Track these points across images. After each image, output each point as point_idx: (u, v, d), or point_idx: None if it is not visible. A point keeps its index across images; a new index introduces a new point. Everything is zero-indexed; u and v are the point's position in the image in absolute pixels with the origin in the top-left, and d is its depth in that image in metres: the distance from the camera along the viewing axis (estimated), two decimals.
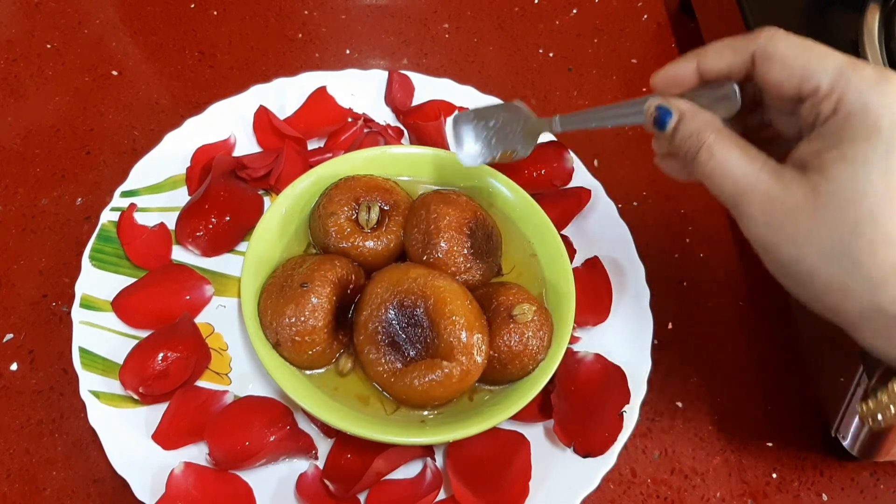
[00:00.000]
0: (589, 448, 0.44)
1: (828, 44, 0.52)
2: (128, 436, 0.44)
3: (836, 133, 0.32)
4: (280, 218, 0.50)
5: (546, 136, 0.56)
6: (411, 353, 0.45)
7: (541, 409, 0.46)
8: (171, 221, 0.52)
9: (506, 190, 0.52)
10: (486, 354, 0.44)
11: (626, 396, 0.46)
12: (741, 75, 0.36)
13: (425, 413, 0.45)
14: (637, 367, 0.47)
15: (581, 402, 0.46)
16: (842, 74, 0.32)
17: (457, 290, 0.45)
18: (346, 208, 0.49)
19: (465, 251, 0.48)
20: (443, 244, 0.47)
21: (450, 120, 0.48)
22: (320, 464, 0.45)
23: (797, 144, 0.34)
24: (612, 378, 0.47)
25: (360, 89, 0.58)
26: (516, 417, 0.45)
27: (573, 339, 0.48)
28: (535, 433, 0.46)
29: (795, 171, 0.33)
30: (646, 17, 0.69)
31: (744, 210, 0.34)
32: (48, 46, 0.65)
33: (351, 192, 0.49)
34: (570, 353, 0.47)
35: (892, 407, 0.34)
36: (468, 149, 0.47)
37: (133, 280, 0.49)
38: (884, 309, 0.31)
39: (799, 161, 0.33)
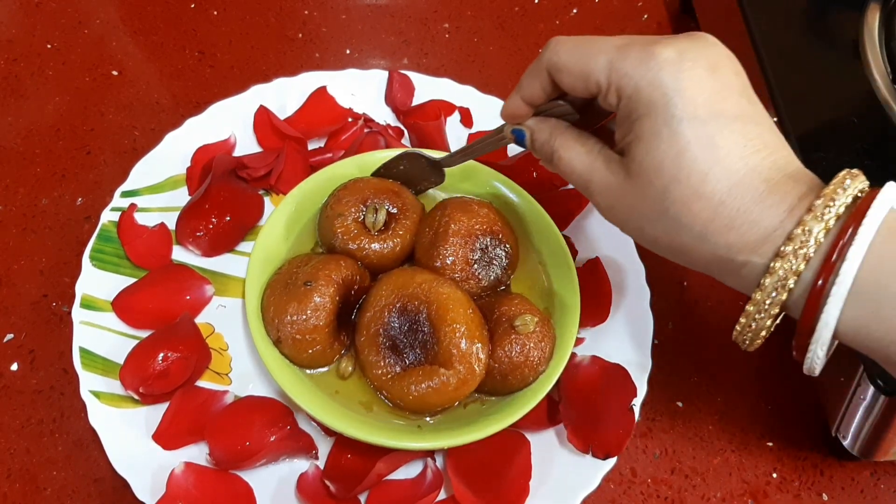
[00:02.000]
0: (607, 449, 0.44)
1: (828, 44, 0.52)
2: (128, 436, 0.44)
3: (626, 118, 0.35)
4: (288, 216, 0.50)
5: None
6: (411, 357, 0.45)
7: (549, 416, 0.46)
8: (171, 221, 0.52)
9: (512, 195, 0.52)
10: (485, 364, 0.44)
11: (631, 391, 0.46)
12: (555, 91, 0.39)
13: (425, 418, 0.45)
14: (637, 366, 0.47)
15: (588, 406, 0.46)
16: (612, 66, 0.35)
17: (460, 298, 0.45)
18: (353, 209, 0.49)
19: (470, 260, 0.48)
20: (447, 250, 0.47)
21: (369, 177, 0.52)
22: (321, 464, 0.45)
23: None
24: (613, 376, 0.47)
25: (361, 89, 0.58)
26: (525, 425, 0.45)
27: (577, 342, 0.48)
28: (535, 433, 0.46)
29: (618, 156, 0.37)
30: (646, 16, 0.69)
31: (591, 197, 0.38)
32: (48, 46, 0.65)
33: (359, 193, 0.49)
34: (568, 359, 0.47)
35: (754, 322, 0.38)
36: None
37: (133, 280, 0.49)
38: (719, 256, 0.35)
39: (618, 148, 0.37)
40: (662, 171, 0.34)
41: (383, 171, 0.52)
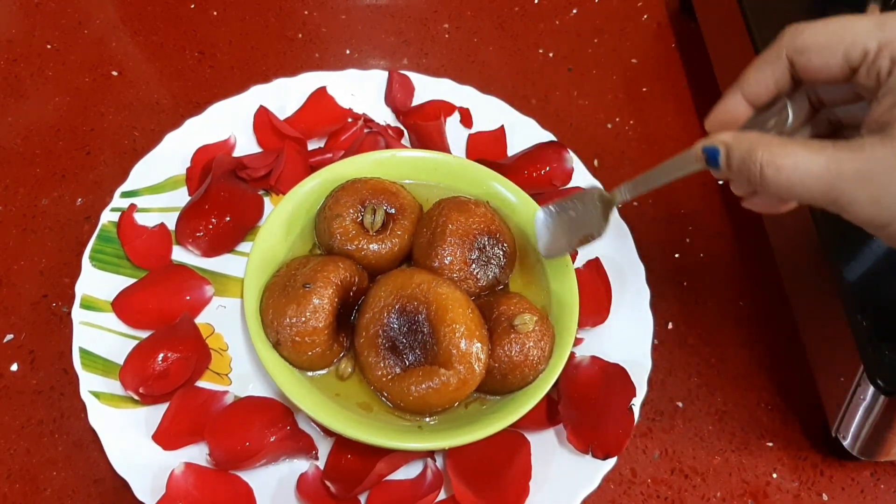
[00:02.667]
0: (607, 449, 0.44)
1: None
2: (128, 436, 0.44)
3: None
4: (286, 217, 0.50)
5: (547, 136, 0.57)
6: (410, 358, 0.45)
7: (548, 416, 0.46)
8: (171, 222, 0.52)
9: (511, 195, 0.52)
10: (485, 364, 0.44)
11: (631, 391, 0.46)
12: (787, 83, 0.35)
13: (425, 419, 0.45)
14: (637, 366, 0.47)
15: (588, 406, 0.46)
16: (883, 27, 0.31)
17: (459, 298, 0.45)
18: (351, 210, 0.49)
19: (467, 260, 0.48)
20: (445, 249, 0.47)
21: (538, 215, 0.48)
22: (321, 464, 0.45)
23: (868, 112, 0.33)
24: (612, 376, 0.47)
25: (360, 89, 0.58)
26: (524, 425, 0.45)
27: (576, 342, 0.48)
28: (535, 433, 0.46)
29: (874, 136, 0.31)
30: (646, 16, 0.69)
31: (844, 200, 0.32)
32: (48, 46, 0.65)
33: (357, 194, 0.49)
34: (567, 359, 0.47)
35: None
36: (552, 244, 0.48)
37: (133, 280, 0.49)
38: None
39: (875, 125, 0.32)
40: None
41: (560, 207, 0.47)
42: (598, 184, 0.53)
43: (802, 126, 0.38)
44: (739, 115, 0.36)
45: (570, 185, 0.55)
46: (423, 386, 0.43)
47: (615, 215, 0.53)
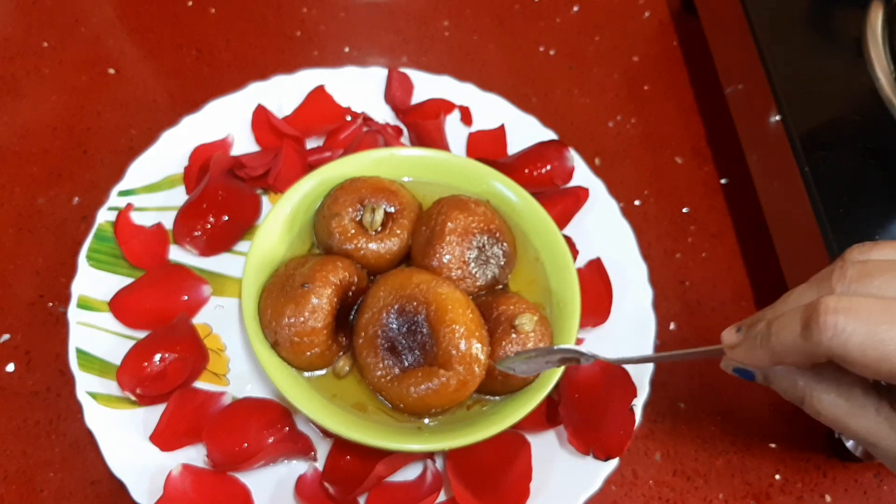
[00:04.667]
0: (608, 450, 0.44)
1: (830, 42, 0.51)
2: (125, 437, 0.44)
3: None
4: (284, 217, 0.50)
5: (548, 135, 0.56)
6: (410, 359, 0.44)
7: (548, 417, 0.46)
8: (168, 221, 0.51)
9: (511, 194, 0.52)
10: (485, 365, 0.43)
11: (632, 391, 0.46)
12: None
13: (424, 420, 0.45)
14: (639, 367, 0.47)
15: (588, 407, 0.46)
16: None
17: (459, 298, 0.44)
18: (350, 209, 0.48)
19: (466, 259, 0.47)
20: (443, 248, 0.47)
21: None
22: (319, 465, 0.44)
23: None
24: (613, 377, 0.47)
25: (360, 87, 0.58)
26: (525, 427, 0.45)
27: (577, 342, 0.47)
28: (536, 434, 0.46)
29: None
30: (647, 14, 0.69)
31: (884, 456, 0.30)
32: (45, 45, 0.64)
33: (356, 193, 0.49)
34: None
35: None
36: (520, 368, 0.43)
37: (130, 280, 0.49)
38: None
39: None
40: None
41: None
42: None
43: None
44: (762, 366, 0.33)
45: (571, 185, 0.54)
46: (423, 387, 0.43)
47: (617, 214, 0.53)
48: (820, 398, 0.31)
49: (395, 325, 0.44)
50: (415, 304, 0.44)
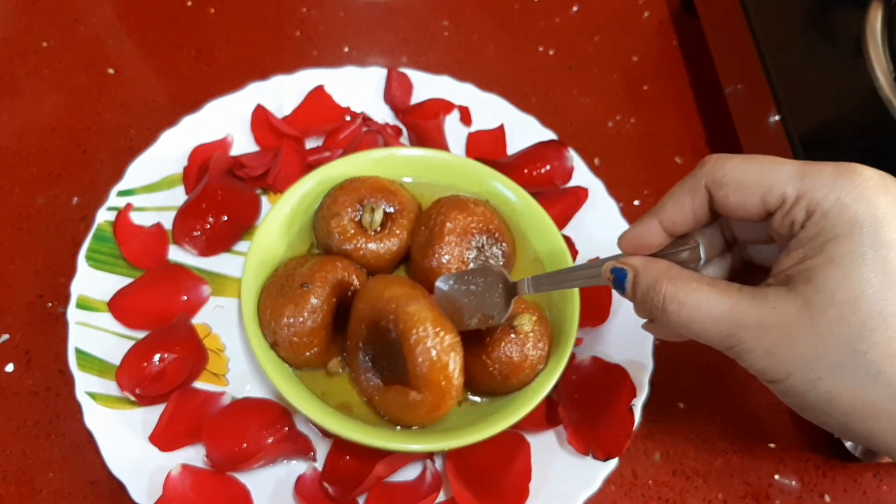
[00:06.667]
0: (608, 450, 0.44)
1: (830, 42, 0.51)
2: (124, 437, 0.44)
3: (816, 236, 0.30)
4: (284, 217, 0.50)
5: (547, 135, 0.56)
6: (387, 373, 0.43)
7: (548, 417, 0.46)
8: (167, 221, 0.51)
9: (511, 194, 0.52)
10: (459, 384, 0.41)
11: (631, 391, 0.46)
12: (706, 214, 0.34)
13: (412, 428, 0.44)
14: (639, 367, 0.47)
15: (588, 407, 0.46)
16: (804, 177, 0.30)
17: (426, 317, 0.41)
18: (349, 210, 0.48)
19: (465, 259, 0.47)
20: (442, 248, 0.47)
21: (437, 284, 0.44)
22: (319, 465, 0.44)
23: (776, 261, 0.32)
24: (613, 377, 0.47)
25: (359, 87, 0.58)
26: (524, 427, 0.45)
27: (577, 342, 0.47)
28: (535, 434, 0.46)
29: (780, 287, 0.30)
30: (647, 14, 0.69)
31: (740, 348, 0.31)
32: (44, 45, 0.64)
33: (355, 193, 0.49)
34: (568, 360, 0.47)
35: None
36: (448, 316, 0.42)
37: (130, 280, 0.49)
38: None
39: (782, 276, 0.31)
40: (862, 302, 0.28)
41: (455, 283, 0.43)
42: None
43: (719, 257, 0.37)
44: (654, 242, 0.35)
45: (570, 185, 0.54)
46: (399, 404, 0.42)
47: (617, 214, 0.53)
48: (683, 288, 0.32)
49: (372, 338, 0.44)
50: (386, 320, 0.42)
